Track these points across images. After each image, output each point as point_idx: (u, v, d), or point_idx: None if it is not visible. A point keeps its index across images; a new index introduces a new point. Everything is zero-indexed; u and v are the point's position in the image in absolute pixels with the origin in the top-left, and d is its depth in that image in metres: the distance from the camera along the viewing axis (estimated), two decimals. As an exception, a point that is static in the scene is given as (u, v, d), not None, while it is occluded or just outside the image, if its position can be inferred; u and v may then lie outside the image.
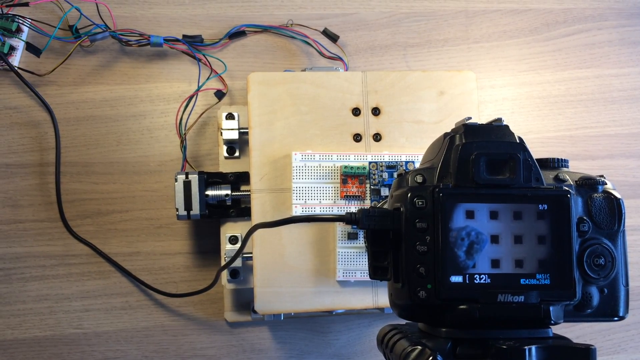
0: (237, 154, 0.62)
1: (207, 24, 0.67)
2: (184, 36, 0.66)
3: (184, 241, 0.65)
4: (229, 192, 0.59)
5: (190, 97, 0.62)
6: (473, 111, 0.58)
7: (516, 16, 0.71)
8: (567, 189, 0.35)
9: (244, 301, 0.63)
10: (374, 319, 0.65)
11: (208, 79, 0.64)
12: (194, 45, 0.66)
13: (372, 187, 0.54)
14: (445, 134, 0.37)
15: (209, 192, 0.59)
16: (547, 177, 0.36)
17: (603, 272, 0.35)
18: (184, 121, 0.62)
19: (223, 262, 0.60)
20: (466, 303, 0.33)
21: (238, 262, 0.58)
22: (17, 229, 0.63)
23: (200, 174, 0.58)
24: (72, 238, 0.63)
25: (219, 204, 0.59)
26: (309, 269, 0.55)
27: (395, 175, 0.53)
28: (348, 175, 0.54)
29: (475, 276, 0.33)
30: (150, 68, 0.66)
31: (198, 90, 0.63)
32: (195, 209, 0.57)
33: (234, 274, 0.59)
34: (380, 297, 0.56)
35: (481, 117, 0.64)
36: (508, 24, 0.71)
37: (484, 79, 0.70)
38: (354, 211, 0.36)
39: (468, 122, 0.36)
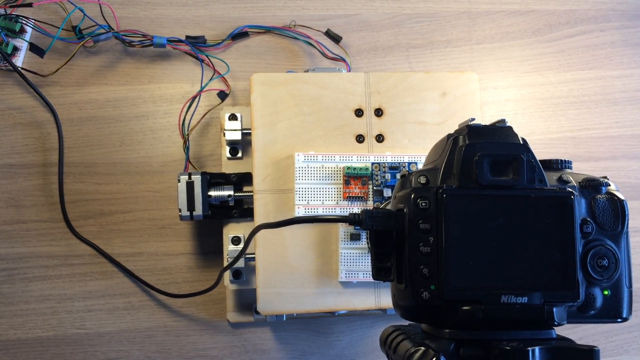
0: (239, 154, 0.62)
1: (210, 24, 0.68)
2: (187, 37, 0.66)
3: (186, 242, 0.65)
4: (231, 192, 0.59)
5: (193, 98, 0.62)
6: (476, 112, 0.58)
7: (519, 17, 0.71)
8: (571, 190, 0.35)
9: (247, 302, 0.63)
10: (377, 320, 0.65)
11: (211, 79, 0.64)
12: (196, 46, 0.66)
13: (374, 188, 0.54)
14: (449, 135, 0.37)
15: (212, 193, 0.59)
16: (551, 178, 0.36)
17: (606, 274, 0.35)
18: (186, 122, 0.62)
19: (226, 263, 0.60)
20: (469, 304, 0.33)
21: (241, 263, 0.58)
22: (20, 229, 0.63)
23: (203, 174, 0.58)
24: (75, 238, 0.64)
25: (222, 204, 0.60)
26: (312, 270, 0.55)
27: (398, 176, 0.53)
28: (351, 176, 0.54)
29: (479, 276, 0.33)
30: (153, 69, 0.66)
31: (201, 91, 0.63)
32: (198, 210, 0.57)
33: (237, 275, 0.59)
34: (382, 298, 0.56)
35: (484, 119, 0.64)
36: (511, 25, 0.71)
37: (486, 80, 0.70)
38: (357, 212, 0.36)
39: (471, 123, 0.36)
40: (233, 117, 0.61)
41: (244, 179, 0.61)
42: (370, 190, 0.55)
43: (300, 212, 0.54)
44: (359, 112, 0.57)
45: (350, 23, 0.69)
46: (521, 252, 0.34)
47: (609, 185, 0.37)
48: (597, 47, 0.72)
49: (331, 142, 0.56)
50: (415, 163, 0.55)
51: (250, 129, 0.60)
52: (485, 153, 0.34)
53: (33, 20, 0.64)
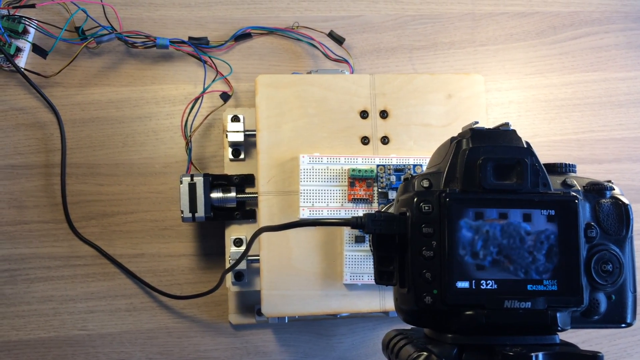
0: (242, 156, 0.62)
1: (213, 26, 0.67)
2: (190, 38, 0.65)
3: (188, 243, 0.65)
4: (234, 194, 0.59)
5: (196, 99, 0.62)
6: (481, 114, 0.58)
7: (523, 19, 0.71)
8: (575, 194, 0.35)
9: (249, 304, 0.63)
10: (379, 322, 0.65)
11: (214, 81, 0.64)
12: (199, 47, 0.65)
13: (379, 190, 0.54)
14: (452, 139, 0.37)
15: (214, 195, 0.59)
16: (555, 182, 0.36)
17: (611, 279, 0.35)
18: (189, 123, 0.62)
19: (228, 264, 0.60)
20: (472, 309, 0.33)
21: (243, 265, 0.58)
22: (22, 230, 0.63)
23: (206, 176, 0.58)
24: (77, 239, 0.63)
25: (224, 206, 0.59)
26: (316, 272, 0.55)
27: (401, 179, 0.53)
28: (356, 178, 0.54)
29: (481, 282, 0.33)
30: (156, 70, 0.66)
31: (203, 92, 0.63)
32: (200, 212, 0.57)
33: (239, 277, 0.59)
34: (387, 300, 0.55)
35: (488, 121, 0.63)
36: (514, 26, 0.71)
37: (490, 81, 0.69)
38: (360, 215, 0.36)
39: (475, 126, 0.36)
40: (235, 119, 0.61)
41: (246, 181, 0.61)
42: (375, 192, 0.54)
43: (305, 214, 0.54)
44: (364, 114, 0.57)
45: (354, 24, 0.69)
46: (525, 257, 0.33)
47: (614, 189, 0.37)
48: (601, 49, 0.71)
49: (336, 144, 0.56)
50: (421, 165, 0.55)
51: (253, 131, 0.60)
52: (488, 157, 0.34)
53: (36, 21, 0.63)
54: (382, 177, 0.54)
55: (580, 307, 0.34)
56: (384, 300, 0.55)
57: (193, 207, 0.57)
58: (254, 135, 0.61)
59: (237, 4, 0.68)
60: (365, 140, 0.56)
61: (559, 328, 0.33)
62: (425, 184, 0.35)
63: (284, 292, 0.55)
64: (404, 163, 0.55)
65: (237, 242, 0.60)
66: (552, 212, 0.34)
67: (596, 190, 0.36)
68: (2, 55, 0.62)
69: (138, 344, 0.63)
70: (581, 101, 0.70)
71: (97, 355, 0.62)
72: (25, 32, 0.64)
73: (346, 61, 0.66)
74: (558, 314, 0.33)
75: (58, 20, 0.65)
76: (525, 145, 0.35)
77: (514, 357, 0.31)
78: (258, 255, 0.58)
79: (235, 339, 0.64)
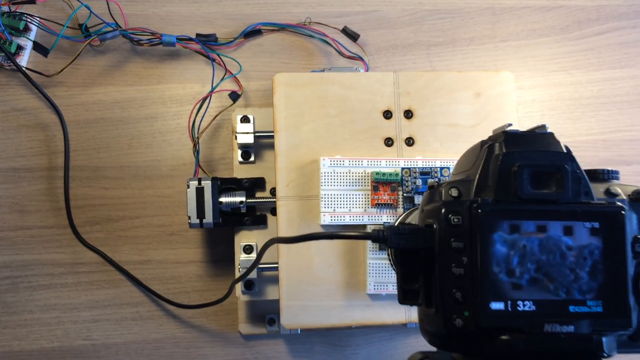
0: (252, 158, 0.58)
1: (222, 22, 0.64)
2: (198, 35, 0.62)
3: (196, 249, 0.61)
4: (243, 199, 0.56)
5: (204, 99, 0.59)
6: (511, 114, 0.54)
7: (546, 13, 0.67)
8: (621, 204, 0.31)
9: (259, 313, 0.59)
10: (396, 332, 0.61)
11: (222, 79, 0.61)
12: (207, 45, 0.62)
13: (404, 194, 0.51)
14: (483, 142, 0.33)
15: (223, 199, 0.55)
16: (597, 190, 0.32)
17: (661, 299, 0.31)
18: (196, 124, 0.59)
19: (237, 273, 0.56)
20: (509, 333, 0.29)
21: (253, 273, 0.55)
22: (24, 235, 0.60)
23: (214, 180, 0.55)
24: (81, 245, 0.60)
25: (233, 211, 0.56)
26: (338, 281, 0.52)
27: (427, 185, 0.50)
28: (379, 182, 0.50)
29: (518, 303, 0.29)
30: (162, 68, 0.63)
31: (212, 91, 0.59)
32: (209, 217, 0.54)
33: (249, 285, 0.56)
34: (413, 311, 0.52)
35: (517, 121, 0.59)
36: (537, 21, 0.67)
37: (512, 79, 0.65)
38: (380, 227, 0.32)
39: (508, 129, 0.32)
40: (245, 120, 0.57)
41: (256, 185, 0.57)
42: (400, 196, 0.51)
43: (325, 219, 0.50)
44: (387, 114, 0.53)
45: (369, 20, 0.65)
46: (566, 275, 0.30)
47: (663, 198, 0.33)
48: (629, 45, 0.67)
49: (358, 146, 0.53)
50: (448, 168, 0.51)
51: (263, 132, 0.57)
52: (525, 163, 0.30)
53: (38, 18, 0.60)
54: (407, 181, 0.51)
55: (628, 331, 0.30)
56: (410, 311, 0.52)
57: (201, 213, 0.54)
58: (265, 137, 0.58)
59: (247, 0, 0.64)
60: (389, 142, 0.53)
61: (605, 354, 0.29)
62: (454, 192, 0.31)
63: (304, 303, 0.51)
64: (430, 166, 0.51)
65: (247, 249, 0.57)
66: (596, 225, 0.30)
67: (644, 199, 0.32)
68: (3, 54, 0.59)
69: (145, 355, 0.60)
70: (608, 99, 0.66)
71: (101, 367, 0.59)
72: (26, 29, 0.61)
73: (361, 58, 0.62)
74: (604, 339, 0.29)
75: (61, 17, 0.62)
76: (565, 150, 0.32)
77: (555, 388, 0.27)
78: (270, 264, 0.55)
79: (246, 350, 0.60)
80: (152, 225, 0.61)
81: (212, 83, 0.60)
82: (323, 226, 0.51)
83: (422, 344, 0.33)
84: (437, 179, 0.37)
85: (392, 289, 0.51)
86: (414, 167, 0.51)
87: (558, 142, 0.32)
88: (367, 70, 0.62)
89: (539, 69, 0.66)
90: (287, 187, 0.52)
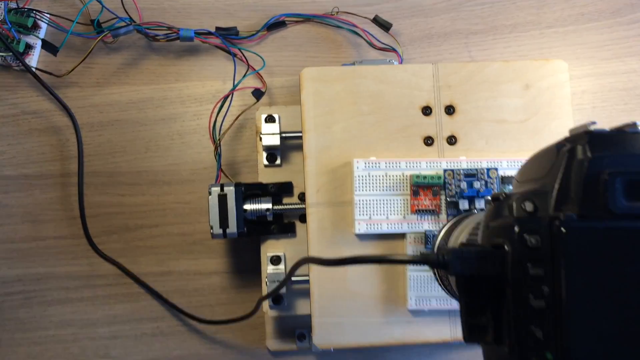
0: (278, 161, 0.53)
1: (243, 14, 0.58)
2: (217, 28, 0.57)
3: (220, 259, 0.56)
4: (270, 205, 0.50)
5: (225, 98, 0.53)
6: (565, 108, 0.48)
7: (595, -4, 0.60)
8: None
9: (288, 328, 0.54)
10: (436, 347, 0.55)
11: (244, 76, 0.55)
12: (228, 39, 0.57)
13: (448, 199, 0.45)
14: (559, 145, 0.27)
15: (248, 207, 0.50)
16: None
17: None
18: (217, 125, 0.53)
19: (264, 286, 0.51)
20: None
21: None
22: (37, 247, 0.55)
23: (237, 186, 0.49)
24: (98, 257, 0.56)
25: (259, 219, 0.51)
26: (376, 296, 0.46)
27: (477, 185, 0.44)
28: (420, 186, 0.45)
29: (616, 344, 0.23)
30: (180, 65, 0.58)
31: (233, 89, 0.54)
32: (232, 227, 0.49)
33: (277, 300, 0.51)
34: (459, 328, 0.46)
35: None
36: (586, 5, 0.60)
37: (559, 69, 0.59)
38: (439, 251, 0.27)
39: (592, 127, 0.26)
40: (270, 119, 0.52)
41: (283, 190, 0.52)
42: (443, 201, 0.45)
43: (361, 228, 0.45)
44: (426, 110, 0.47)
45: (401, 8, 0.59)
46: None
47: None
48: (689, 28, 0.60)
49: (395, 146, 0.47)
50: (496, 169, 0.45)
51: (290, 132, 0.52)
52: (617, 170, 0.24)
53: (47, 14, 0.56)
54: (450, 184, 0.45)
55: None
56: (456, 329, 0.46)
57: (224, 222, 0.48)
58: (292, 138, 0.52)
59: (269, -11, 0.59)
60: (428, 141, 0.47)
61: None
62: (529, 207, 0.25)
63: (338, 320, 0.46)
64: (476, 167, 0.45)
65: (275, 260, 0.51)
66: None
67: None
68: (11, 54, 0.55)
69: (166, 374, 0.55)
70: (666, 89, 0.60)
71: (121, 387, 0.54)
72: (35, 26, 0.56)
73: (394, 50, 0.57)
74: None
75: (71, 13, 0.57)
76: None
77: None
78: (300, 276, 0.49)
79: (275, 367, 0.55)
80: (172, 234, 0.56)
81: (234, 80, 0.55)
82: (358, 235, 0.46)
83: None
84: (504, 192, 0.31)
85: (436, 303, 0.46)
86: (458, 169, 0.45)
87: (654, 143, 0.26)
88: (401, 63, 0.56)
89: (589, 57, 0.60)
90: (318, 192, 0.46)
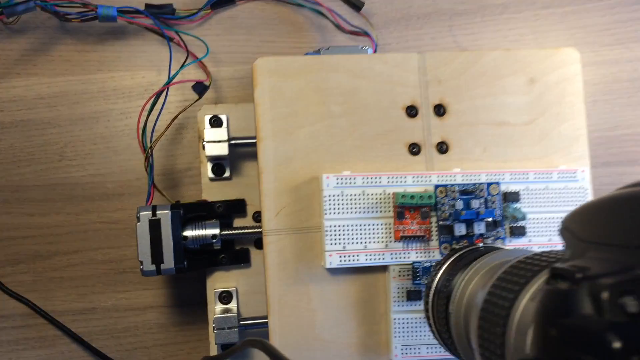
0: (227, 173, 0.42)
1: (180, -12, 0.47)
2: (147, 6, 0.45)
3: (157, 290, 0.46)
4: (217, 231, 0.40)
5: (157, 95, 0.42)
6: (578, 107, 0.39)
7: (596, -29, 0.51)
8: None
9: (244, 373, 0.44)
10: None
11: (183, 66, 0.44)
12: (162, 19, 0.45)
13: (440, 222, 0.35)
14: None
15: (189, 233, 0.39)
16: None
17: None
18: (149, 130, 0.42)
19: (210, 332, 0.41)
20: None
21: (234, 330, 0.39)
22: None
23: (175, 207, 0.39)
24: (1, 292, 0.44)
25: (204, 248, 0.40)
26: (352, 344, 0.36)
27: (472, 210, 0.34)
28: (405, 207, 0.35)
29: None
30: (103, 52, 0.46)
31: (168, 83, 0.43)
32: (168, 262, 0.38)
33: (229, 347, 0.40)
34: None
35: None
36: (587, -18, 0.51)
37: (558, 57, 0.50)
38: None
39: None
40: (216, 122, 0.41)
41: (234, 209, 0.42)
42: (434, 225, 0.35)
43: (333, 261, 0.35)
44: (411, 111, 0.37)
45: (373, -17, 0.49)
46: None
47: None
48: (701, 10, 0.52)
49: (374, 156, 0.37)
50: (497, 183, 0.36)
51: (243, 139, 0.41)
52: None
53: None
54: (443, 204, 0.35)
55: None
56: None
57: (157, 256, 0.38)
58: (245, 145, 0.41)
59: (213, -43, 0.47)
60: (414, 149, 0.37)
61: None
62: (632, 306, 0.15)
63: (307, 376, 0.36)
64: (474, 181, 0.36)
65: (225, 298, 0.41)
66: None
67: None
68: None
69: None
70: (675, 80, 0.51)
71: None
72: None
73: (366, 33, 0.46)
74: None
75: (-42, -16, 0.44)
76: None
77: None
78: (257, 319, 0.39)
79: (227, 421, 0.45)
80: (96, 261, 0.45)
81: (169, 71, 0.44)
82: (329, 270, 0.36)
83: None
84: (575, 271, 0.21)
85: (427, 352, 0.36)
86: (452, 185, 0.36)
87: None
88: (375, 49, 0.46)
89: (589, 43, 0.51)
90: (278, 217, 0.36)
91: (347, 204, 0.35)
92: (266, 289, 0.36)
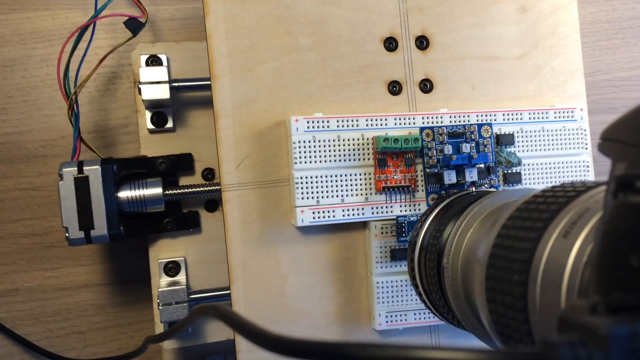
0: (169, 124, 0.35)
1: None
2: None
3: (92, 266, 0.38)
4: (159, 190, 0.33)
5: (82, 30, 0.34)
6: (573, 38, 0.34)
7: None
8: None
9: (197, 356, 0.38)
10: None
11: (112, -1, 0.36)
12: (85, -55, 0.37)
13: (427, 170, 0.30)
14: None
15: (125, 194, 0.32)
16: None
17: None
18: (71, 73, 0.34)
19: (155, 305, 0.34)
20: None
21: (183, 305, 0.33)
22: None
23: (107, 163, 0.31)
24: None
25: (144, 211, 0.33)
26: (329, 314, 0.30)
27: (462, 154, 0.28)
28: (387, 153, 0.29)
29: None
30: (15, -13, 0.38)
31: (95, 17, 0.35)
32: (100, 227, 0.31)
33: (178, 327, 0.33)
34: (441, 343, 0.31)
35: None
36: None
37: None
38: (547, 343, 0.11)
39: None
40: (155, 61, 0.34)
41: (179, 165, 0.35)
42: (420, 174, 0.30)
43: (305, 218, 0.29)
44: (390, 44, 0.31)
45: None
46: None
47: None
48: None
49: (349, 96, 0.31)
50: (490, 125, 0.30)
51: (186, 81, 0.34)
52: None
53: None
54: (430, 149, 0.29)
55: None
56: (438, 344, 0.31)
57: (86, 221, 0.30)
58: (189, 88, 0.34)
59: None
60: (395, 88, 0.31)
61: None
62: None
63: (278, 351, 0.29)
64: (463, 122, 0.30)
65: (171, 269, 0.34)
66: None
67: None
68: None
69: None
70: (656, 21, 0.47)
71: None
72: None
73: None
74: None
75: None
76: None
77: None
78: (216, 291, 0.33)
79: (179, 412, 0.39)
80: (17, 235, 0.37)
81: (96, 4, 0.36)
82: (301, 229, 0.30)
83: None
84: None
85: (415, 319, 0.31)
86: (439, 126, 0.30)
87: None
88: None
89: (566, -19, 0.46)
90: (239, 168, 0.29)
91: (319, 151, 0.29)
92: (227, 253, 0.29)
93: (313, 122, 0.29)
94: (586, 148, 0.32)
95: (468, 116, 0.31)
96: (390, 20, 0.31)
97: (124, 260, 0.39)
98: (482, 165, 0.30)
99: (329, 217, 0.29)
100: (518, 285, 0.19)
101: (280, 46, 0.30)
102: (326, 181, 0.29)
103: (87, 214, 0.30)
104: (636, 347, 0.10)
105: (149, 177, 0.33)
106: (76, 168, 0.31)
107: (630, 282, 0.12)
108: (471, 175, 0.30)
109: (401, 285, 0.30)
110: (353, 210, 0.29)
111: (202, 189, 0.34)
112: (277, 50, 0.30)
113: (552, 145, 0.32)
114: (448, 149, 0.30)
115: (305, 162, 0.29)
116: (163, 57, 0.34)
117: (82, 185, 0.30)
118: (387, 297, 0.30)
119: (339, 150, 0.29)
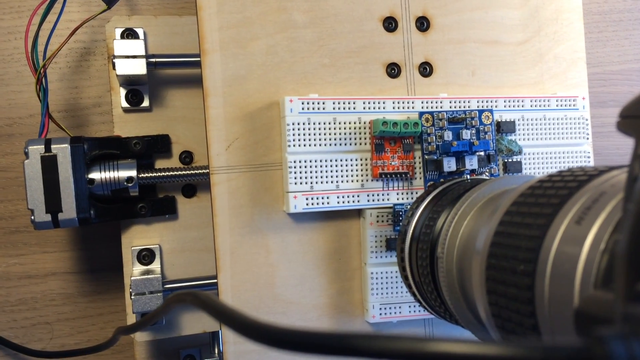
0: (145, 102, 0.33)
1: None
2: None
3: (61, 253, 0.36)
4: (133, 173, 0.30)
5: (52, 0, 0.31)
6: (576, 25, 0.33)
7: None
8: None
9: (170, 349, 0.35)
10: None
11: (87, -33, 0.33)
12: None
13: (426, 156, 0.28)
14: None
15: (96, 175, 0.29)
16: None
17: None
18: (40, 47, 0.31)
19: (127, 294, 0.31)
20: None
21: (157, 295, 0.30)
22: None
23: (77, 141, 0.29)
24: None
25: (117, 195, 0.30)
26: (320, 305, 0.28)
27: (462, 140, 0.27)
28: (385, 138, 0.27)
29: None
30: (-19, -48, 0.35)
31: (67, -15, 0.32)
32: (69, 210, 0.28)
33: (151, 319, 0.31)
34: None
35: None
36: None
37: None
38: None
39: None
40: (131, 34, 0.31)
41: (155, 147, 0.32)
42: (418, 160, 0.28)
43: (297, 204, 0.26)
44: (390, 24, 0.29)
45: None
46: None
47: None
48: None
49: (345, 78, 0.28)
50: (491, 111, 0.28)
51: (165, 57, 0.31)
52: None
53: None
54: (429, 134, 0.27)
55: None
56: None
57: (53, 203, 0.28)
58: (170, 65, 0.32)
59: None
60: (393, 70, 0.29)
61: None
62: None
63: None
64: (463, 107, 0.28)
65: (145, 257, 0.32)
66: None
67: None
68: None
69: None
70: (646, 14, 0.46)
71: None
72: None
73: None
74: None
75: None
76: None
77: None
78: (201, 280, 0.30)
79: (151, 408, 0.36)
80: (-21, 219, 0.34)
81: (68, -28, 0.33)
82: (293, 215, 0.28)
83: None
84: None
85: (410, 311, 0.29)
86: (438, 111, 0.28)
87: None
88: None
89: (559, -30, 0.44)
90: (229, 150, 0.27)
91: (314, 134, 0.27)
92: (215, 239, 0.27)
93: (308, 103, 0.26)
94: (587, 138, 0.30)
95: (469, 102, 0.29)
96: (390, 0, 0.29)
97: (95, 247, 0.36)
98: (482, 153, 0.28)
99: (322, 203, 0.27)
100: (524, 275, 0.17)
101: (275, 22, 0.27)
102: (321, 166, 0.27)
103: (54, 195, 0.27)
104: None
105: (122, 158, 0.30)
106: (43, 146, 0.28)
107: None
108: (471, 162, 0.28)
109: (396, 277, 0.28)
110: (348, 197, 0.27)
111: (179, 172, 0.31)
112: (271, 26, 0.27)
113: (554, 134, 0.30)
114: (448, 135, 0.28)
115: (299, 146, 0.26)
116: (140, 31, 0.32)
117: (49, 164, 0.27)
118: (382, 288, 0.28)
119: (335, 134, 0.27)
